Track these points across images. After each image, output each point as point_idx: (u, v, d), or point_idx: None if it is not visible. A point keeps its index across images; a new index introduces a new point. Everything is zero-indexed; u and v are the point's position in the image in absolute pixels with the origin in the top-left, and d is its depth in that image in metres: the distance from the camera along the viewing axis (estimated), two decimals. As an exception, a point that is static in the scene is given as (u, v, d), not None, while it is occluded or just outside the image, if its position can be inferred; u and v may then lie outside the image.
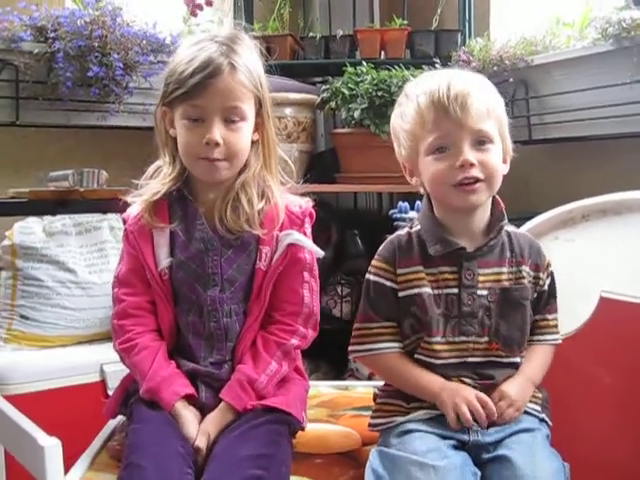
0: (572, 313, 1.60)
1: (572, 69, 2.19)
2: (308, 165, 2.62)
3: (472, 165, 1.23)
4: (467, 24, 2.78)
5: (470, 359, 1.28)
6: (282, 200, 1.39)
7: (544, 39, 2.31)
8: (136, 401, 1.34)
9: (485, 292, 1.28)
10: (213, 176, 1.35)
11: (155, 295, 1.38)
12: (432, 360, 1.28)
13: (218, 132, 1.31)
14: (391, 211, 1.97)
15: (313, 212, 1.42)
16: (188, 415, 1.29)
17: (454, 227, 1.31)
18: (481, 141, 1.25)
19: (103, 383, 2.12)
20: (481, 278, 1.28)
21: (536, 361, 1.34)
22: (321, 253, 1.41)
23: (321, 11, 3.15)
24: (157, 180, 1.40)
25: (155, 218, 1.37)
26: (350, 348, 1.36)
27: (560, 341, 1.38)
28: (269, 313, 1.39)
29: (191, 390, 1.32)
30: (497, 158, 1.27)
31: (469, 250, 1.29)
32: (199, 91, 1.30)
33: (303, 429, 1.39)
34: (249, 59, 1.36)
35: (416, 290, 1.29)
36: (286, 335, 1.37)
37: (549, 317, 1.37)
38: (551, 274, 1.36)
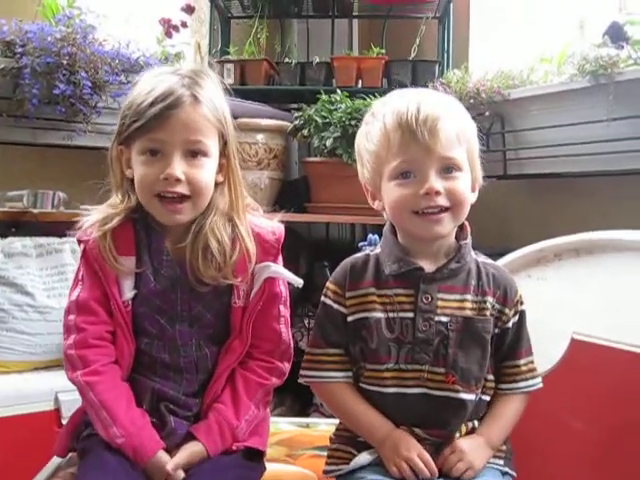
0: (542, 355, 1.54)
1: (549, 104, 2.16)
2: (279, 193, 2.57)
3: (437, 193, 1.16)
4: (445, 55, 2.76)
5: (421, 390, 1.20)
6: (252, 242, 1.29)
7: (522, 73, 2.29)
8: (91, 437, 1.25)
9: (445, 319, 1.20)
10: (173, 218, 1.25)
11: (116, 325, 1.28)
12: (380, 389, 1.21)
13: (179, 167, 1.22)
14: (360, 243, 1.91)
15: (283, 235, 1.34)
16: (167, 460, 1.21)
17: (415, 249, 1.24)
18: (449, 169, 1.18)
19: (57, 412, 2.03)
20: (440, 303, 1.20)
21: (501, 420, 1.26)
22: (300, 282, 1.34)
23: (299, 37, 3.13)
24: (106, 206, 1.30)
25: (116, 245, 1.26)
26: (300, 372, 1.30)
27: (539, 386, 1.29)
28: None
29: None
30: (465, 186, 1.20)
31: (428, 271, 1.22)
32: (159, 123, 1.21)
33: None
34: (213, 93, 1.28)
35: (366, 314, 1.23)
36: (267, 374, 1.32)
37: (520, 362, 1.27)
38: (520, 313, 1.27)
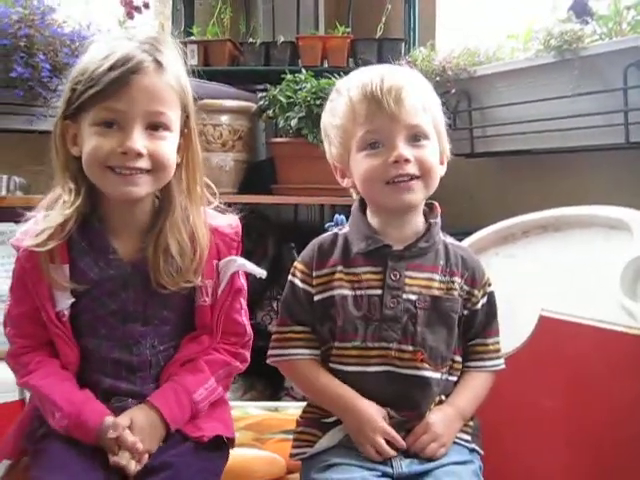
0: (511, 332, 1.55)
1: (515, 81, 2.15)
2: (245, 175, 2.54)
3: (407, 161, 1.16)
4: (412, 33, 2.74)
5: (385, 368, 1.19)
6: (206, 232, 1.23)
7: (488, 50, 2.27)
8: (45, 437, 1.19)
9: (413, 297, 1.20)
10: (128, 190, 1.14)
11: (54, 336, 1.21)
12: (349, 368, 1.20)
13: (140, 141, 1.11)
14: (327, 224, 1.90)
15: (240, 226, 1.30)
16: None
17: (384, 228, 1.24)
18: (416, 137, 1.18)
19: (22, 402, 1.99)
20: (408, 281, 1.20)
21: (470, 392, 1.26)
22: (264, 273, 1.30)
23: (264, 17, 3.08)
24: (56, 211, 1.17)
25: (50, 254, 1.16)
26: (268, 352, 1.29)
27: (502, 366, 1.30)
28: None
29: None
30: (434, 155, 1.20)
31: (396, 249, 1.21)
32: (117, 90, 1.09)
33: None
34: (176, 61, 1.18)
35: (332, 292, 1.22)
36: (232, 357, 1.28)
37: (488, 341, 1.28)
38: (489, 294, 1.28)
